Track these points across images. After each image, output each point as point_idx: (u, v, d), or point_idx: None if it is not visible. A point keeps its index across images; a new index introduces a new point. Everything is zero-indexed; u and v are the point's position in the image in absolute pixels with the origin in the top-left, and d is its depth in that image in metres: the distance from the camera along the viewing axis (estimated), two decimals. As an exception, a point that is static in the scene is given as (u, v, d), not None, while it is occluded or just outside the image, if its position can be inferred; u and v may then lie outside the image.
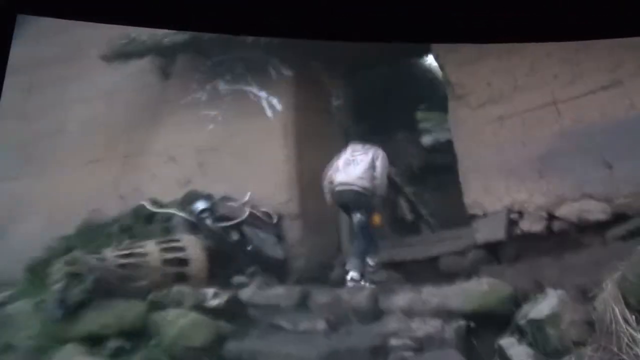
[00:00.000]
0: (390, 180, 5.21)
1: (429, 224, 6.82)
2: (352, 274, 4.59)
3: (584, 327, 3.18)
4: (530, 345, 3.26)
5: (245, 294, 4.40)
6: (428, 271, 4.81)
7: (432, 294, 3.88)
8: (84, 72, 6.68)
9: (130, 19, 3.61)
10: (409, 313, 3.78)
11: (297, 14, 3.64)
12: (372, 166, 4.75)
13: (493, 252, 4.52)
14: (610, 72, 4.29)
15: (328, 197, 4.98)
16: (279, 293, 4.46)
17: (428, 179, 7.58)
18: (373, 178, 4.73)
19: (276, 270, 5.14)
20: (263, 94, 6.12)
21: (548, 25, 4.03)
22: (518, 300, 3.69)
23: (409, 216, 6.82)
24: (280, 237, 5.45)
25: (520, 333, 3.38)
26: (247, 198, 5.55)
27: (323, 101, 6.23)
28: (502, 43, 4.55)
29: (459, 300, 3.73)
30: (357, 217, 4.78)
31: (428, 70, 7.56)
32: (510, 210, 4.49)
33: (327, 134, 6.11)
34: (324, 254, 5.57)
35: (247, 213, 5.32)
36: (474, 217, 4.72)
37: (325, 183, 4.98)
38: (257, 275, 4.88)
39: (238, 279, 4.75)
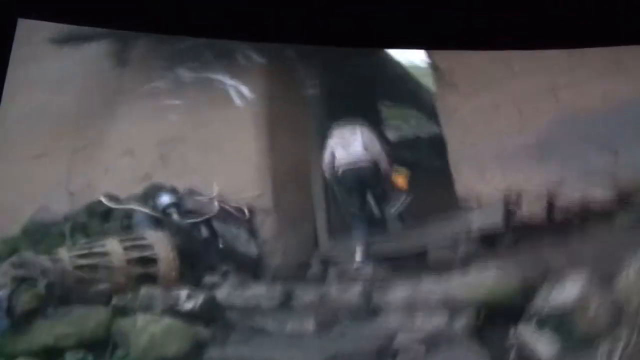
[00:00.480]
0: None
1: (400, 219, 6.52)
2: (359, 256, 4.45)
3: (611, 313, 2.90)
4: (554, 335, 2.94)
5: (220, 294, 3.89)
6: (415, 265, 4.43)
7: (433, 287, 3.49)
8: (30, 56, 5.95)
9: (130, 24, 3.57)
10: (410, 308, 3.37)
11: (292, 17, 3.63)
12: (368, 146, 4.77)
13: (489, 243, 4.18)
14: (612, 56, 4.04)
15: (335, 187, 5.03)
16: (258, 292, 4.01)
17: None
18: (371, 152, 4.76)
19: (250, 269, 4.65)
20: (231, 82, 5.61)
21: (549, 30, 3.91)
22: (527, 289, 3.35)
23: (376, 212, 6.50)
24: (253, 233, 4.95)
25: (539, 324, 3.07)
26: (215, 192, 5.03)
27: (297, 91, 5.76)
28: (503, 50, 4.32)
29: (464, 292, 3.37)
30: (373, 192, 4.87)
31: (396, 63, 7.26)
32: (508, 199, 4.17)
33: (301, 125, 5.65)
34: (301, 250, 5.10)
35: (217, 208, 4.79)
36: (467, 207, 4.39)
37: (327, 174, 4.97)
38: (230, 274, 4.37)
39: (210, 278, 4.22)
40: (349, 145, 4.74)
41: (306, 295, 3.87)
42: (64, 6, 3.39)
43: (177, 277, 3.90)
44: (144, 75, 5.81)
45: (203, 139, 5.39)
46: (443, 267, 4.22)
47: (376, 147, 4.80)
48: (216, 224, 4.69)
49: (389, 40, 4.42)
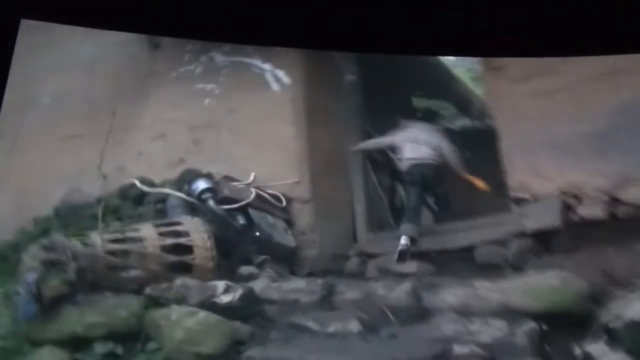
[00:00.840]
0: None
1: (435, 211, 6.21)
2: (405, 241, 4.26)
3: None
4: (629, 352, 2.58)
5: (257, 287, 3.60)
6: (461, 263, 4.12)
7: (490, 290, 3.17)
8: (63, 40, 5.72)
9: (135, 25, 3.46)
10: (465, 313, 3.05)
11: (298, 21, 3.52)
12: (437, 147, 4.70)
13: (542, 241, 3.84)
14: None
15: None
16: (298, 287, 3.71)
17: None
18: (441, 155, 4.70)
19: (287, 260, 4.37)
20: (267, 67, 5.32)
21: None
22: (594, 298, 3.00)
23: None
24: (289, 223, 4.67)
25: (610, 337, 2.70)
26: (251, 178, 4.76)
27: (335, 76, 5.46)
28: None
29: (526, 297, 3.03)
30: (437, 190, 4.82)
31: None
32: (564, 194, 3.80)
33: (339, 111, 5.34)
34: (338, 242, 4.81)
35: (253, 194, 4.52)
36: (520, 201, 4.04)
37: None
38: (266, 266, 4.10)
39: (246, 269, 3.96)
40: (418, 145, 4.68)
41: (349, 291, 3.56)
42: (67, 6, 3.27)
43: (213, 267, 3.63)
44: (177, 58, 5.57)
45: (238, 124, 5.13)
46: (492, 267, 3.91)
47: (449, 152, 4.71)
48: (252, 212, 4.41)
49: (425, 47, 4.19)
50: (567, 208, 3.79)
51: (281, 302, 3.53)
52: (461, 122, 8.41)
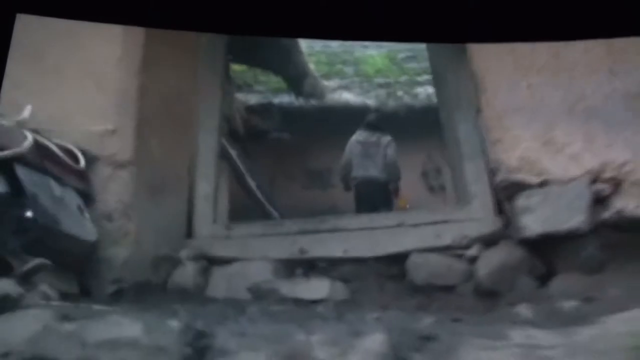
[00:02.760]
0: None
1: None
2: None
3: None
4: None
5: (18, 334, 1.67)
6: (389, 282, 2.69)
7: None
8: None
9: (135, 19, 2.75)
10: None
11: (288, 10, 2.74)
12: (385, 154, 4.65)
13: (542, 252, 2.58)
14: None
15: (345, 184, 4.96)
16: (99, 328, 1.82)
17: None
18: (387, 166, 4.65)
19: (79, 267, 2.42)
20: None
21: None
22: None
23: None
24: (88, 198, 2.68)
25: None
26: (26, 113, 2.63)
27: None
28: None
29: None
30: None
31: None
32: (595, 179, 2.53)
33: (189, 47, 3.44)
34: (166, 237, 2.97)
35: (29, 141, 2.42)
36: (518, 188, 2.64)
37: (341, 171, 5.01)
38: (41, 279, 2.11)
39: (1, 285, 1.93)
40: (368, 158, 4.62)
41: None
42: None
43: None
44: None
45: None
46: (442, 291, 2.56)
47: (393, 162, 4.67)
48: (23, 173, 2.33)
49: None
50: (599, 201, 2.48)
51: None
52: (286, 99, 7.43)
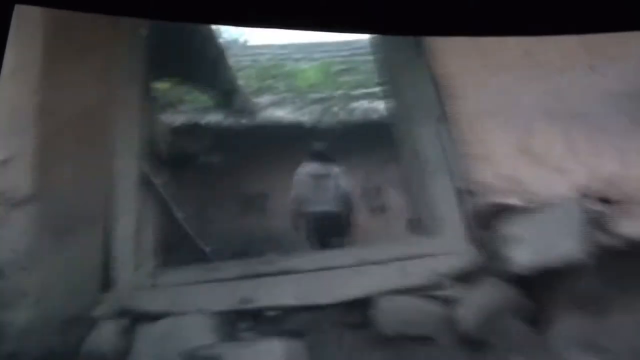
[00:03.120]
0: None
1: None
2: None
3: None
4: None
5: None
6: (343, 331, 2.26)
7: None
8: None
9: (137, 10, 2.45)
10: None
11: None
12: (337, 186, 4.43)
13: (534, 289, 2.19)
14: None
15: (294, 222, 4.56)
16: None
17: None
18: (339, 198, 4.40)
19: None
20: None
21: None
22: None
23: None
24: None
25: None
26: None
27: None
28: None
29: None
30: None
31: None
32: (586, 196, 2.18)
33: (102, 58, 2.88)
34: (77, 288, 2.38)
35: None
36: (496, 211, 2.27)
37: (291, 207, 4.56)
38: None
39: None
40: (319, 191, 4.39)
41: None
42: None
43: None
44: None
45: None
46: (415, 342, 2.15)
47: (346, 194, 4.46)
48: None
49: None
50: (596, 223, 2.14)
51: None
52: (215, 118, 6.96)
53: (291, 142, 6.75)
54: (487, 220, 2.28)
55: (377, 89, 7.61)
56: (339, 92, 7.54)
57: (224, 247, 4.95)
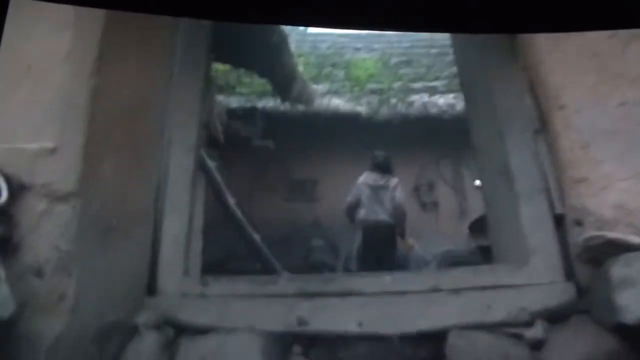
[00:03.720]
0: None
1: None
2: None
3: None
4: None
5: None
6: None
7: None
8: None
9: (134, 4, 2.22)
10: None
11: None
12: (392, 197, 4.48)
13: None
14: None
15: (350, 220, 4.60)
16: None
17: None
18: (394, 209, 4.46)
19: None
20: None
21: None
22: None
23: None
24: (10, 246, 1.88)
25: None
26: None
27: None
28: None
29: None
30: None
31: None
32: None
33: (162, 44, 2.62)
34: (119, 296, 2.16)
35: None
36: (609, 247, 1.90)
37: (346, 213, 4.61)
38: None
39: None
40: (376, 203, 4.46)
41: None
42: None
43: None
44: None
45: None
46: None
47: (400, 204, 4.50)
48: None
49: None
50: None
51: None
52: (271, 103, 6.71)
53: (346, 131, 6.50)
54: (595, 256, 1.91)
55: (437, 83, 7.29)
56: (398, 83, 7.21)
57: (269, 227, 4.85)
